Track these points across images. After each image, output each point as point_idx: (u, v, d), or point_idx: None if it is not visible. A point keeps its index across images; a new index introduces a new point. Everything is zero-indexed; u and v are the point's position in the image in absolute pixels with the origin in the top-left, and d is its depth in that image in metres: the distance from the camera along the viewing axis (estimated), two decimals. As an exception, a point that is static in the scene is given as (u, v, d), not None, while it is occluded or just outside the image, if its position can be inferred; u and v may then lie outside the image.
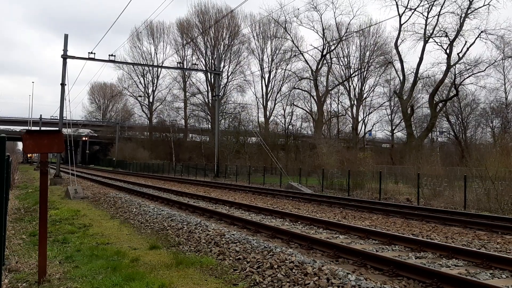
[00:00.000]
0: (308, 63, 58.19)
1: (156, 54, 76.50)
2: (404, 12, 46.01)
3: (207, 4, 68.36)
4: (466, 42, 43.61)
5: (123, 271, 6.73)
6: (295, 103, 61.41)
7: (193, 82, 71.30)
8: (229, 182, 34.35)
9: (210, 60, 67.05)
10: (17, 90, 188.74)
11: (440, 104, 47.93)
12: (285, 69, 63.26)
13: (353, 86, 61.71)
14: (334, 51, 57.96)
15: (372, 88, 62.06)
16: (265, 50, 65.13)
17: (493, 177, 19.09)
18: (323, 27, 55.33)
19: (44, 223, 6.28)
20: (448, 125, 52.89)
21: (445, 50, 44.64)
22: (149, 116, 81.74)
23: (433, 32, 44.92)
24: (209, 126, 66.75)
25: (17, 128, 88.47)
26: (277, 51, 63.81)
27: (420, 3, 44.67)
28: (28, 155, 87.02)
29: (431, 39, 45.47)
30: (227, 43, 66.94)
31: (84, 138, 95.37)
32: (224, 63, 65.56)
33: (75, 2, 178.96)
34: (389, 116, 62.48)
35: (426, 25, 45.10)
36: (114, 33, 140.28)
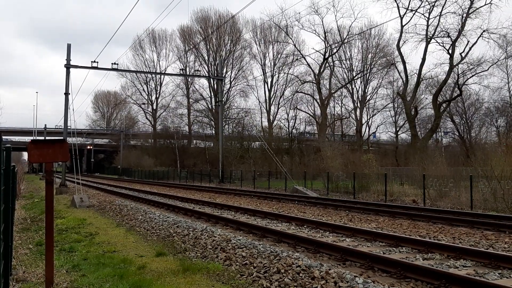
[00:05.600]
0: (310, 67, 58.33)
1: (159, 61, 77.07)
2: (405, 14, 46.12)
3: (209, 10, 68.65)
4: (468, 42, 43.62)
5: (130, 278, 6.72)
6: (298, 107, 61.49)
7: (196, 89, 71.60)
8: (234, 187, 34.34)
9: (213, 66, 67.23)
10: (16, 101, 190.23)
11: (444, 105, 47.82)
12: (288, 73, 63.43)
13: (356, 89, 61.78)
14: (336, 54, 58.08)
15: (375, 90, 62.09)
16: (267, 54, 65.34)
17: (499, 177, 18.98)
18: (324, 31, 55.48)
19: (51, 232, 6.30)
20: (452, 125, 52.77)
21: (448, 51, 44.61)
22: (153, 123, 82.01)
23: (434, 32, 44.95)
24: (213, 132, 66.83)
25: (22, 138, 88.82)
26: (279, 56, 63.99)
27: (421, 4, 44.78)
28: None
29: (433, 40, 45.49)
30: (229, 48, 67.17)
31: (89, 147, 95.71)
32: (226, 68, 65.76)
33: (69, 15, 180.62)
34: (393, 118, 62.41)
35: (427, 26, 45.15)
36: (114, 45, 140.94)
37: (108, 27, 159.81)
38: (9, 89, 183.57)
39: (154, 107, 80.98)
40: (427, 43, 45.47)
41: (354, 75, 60.65)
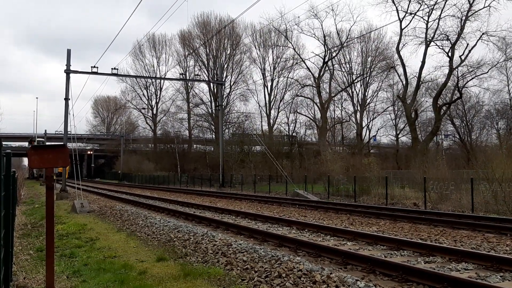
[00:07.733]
0: (310, 71, 58.31)
1: (159, 66, 77.02)
2: (404, 17, 46.10)
3: (209, 15, 68.68)
4: (467, 44, 43.61)
5: (130, 284, 6.71)
6: (298, 111, 61.49)
7: (196, 93, 71.62)
8: (235, 192, 34.30)
9: (213, 71, 67.32)
10: (14, 107, 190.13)
11: (444, 107, 47.79)
12: (287, 77, 63.40)
13: (356, 92, 61.79)
14: (335, 57, 58.07)
15: (375, 93, 62.08)
16: (266, 59, 65.37)
17: (500, 179, 18.96)
18: (324, 34, 55.48)
19: (51, 238, 6.28)
20: (453, 128, 52.78)
21: (447, 53, 44.63)
22: (153, 128, 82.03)
23: (434, 35, 44.95)
24: (213, 136, 66.85)
25: (22, 144, 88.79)
26: (279, 60, 63.99)
27: (420, 7, 44.77)
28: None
29: (432, 43, 45.49)
30: (228, 53, 67.25)
31: (89, 152, 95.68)
32: (226, 73, 65.82)
33: (65, 22, 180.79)
34: (393, 121, 62.39)
35: (427, 29, 45.14)
36: (111, 51, 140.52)
37: (104, 33, 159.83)
38: (7, 96, 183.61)
39: (154, 112, 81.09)
40: (427, 46, 45.51)
41: (354, 79, 60.70)
